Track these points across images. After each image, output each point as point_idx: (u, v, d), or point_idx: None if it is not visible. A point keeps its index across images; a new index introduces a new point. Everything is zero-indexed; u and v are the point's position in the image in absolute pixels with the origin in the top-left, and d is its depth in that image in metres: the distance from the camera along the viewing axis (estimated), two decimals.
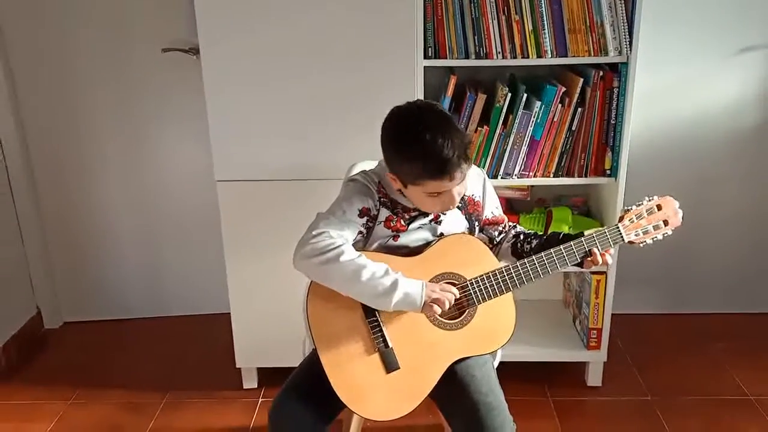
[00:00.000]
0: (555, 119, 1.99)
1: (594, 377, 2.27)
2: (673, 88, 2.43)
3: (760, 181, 2.54)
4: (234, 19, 1.90)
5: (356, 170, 1.58)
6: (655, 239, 1.50)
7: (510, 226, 1.61)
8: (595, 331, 2.19)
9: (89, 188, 2.61)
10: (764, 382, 2.26)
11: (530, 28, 1.92)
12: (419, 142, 1.31)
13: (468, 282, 1.44)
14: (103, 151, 2.56)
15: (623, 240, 1.47)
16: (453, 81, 1.98)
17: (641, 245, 1.50)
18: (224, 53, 1.93)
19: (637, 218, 1.48)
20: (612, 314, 2.17)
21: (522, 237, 1.55)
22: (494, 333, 1.47)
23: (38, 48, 2.42)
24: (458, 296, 1.40)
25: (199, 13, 1.90)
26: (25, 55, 2.44)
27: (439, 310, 1.35)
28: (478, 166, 2.01)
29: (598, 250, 1.45)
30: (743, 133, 2.48)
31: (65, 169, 2.59)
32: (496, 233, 1.59)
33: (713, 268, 2.63)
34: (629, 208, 1.49)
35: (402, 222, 1.46)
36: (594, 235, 1.45)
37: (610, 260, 1.47)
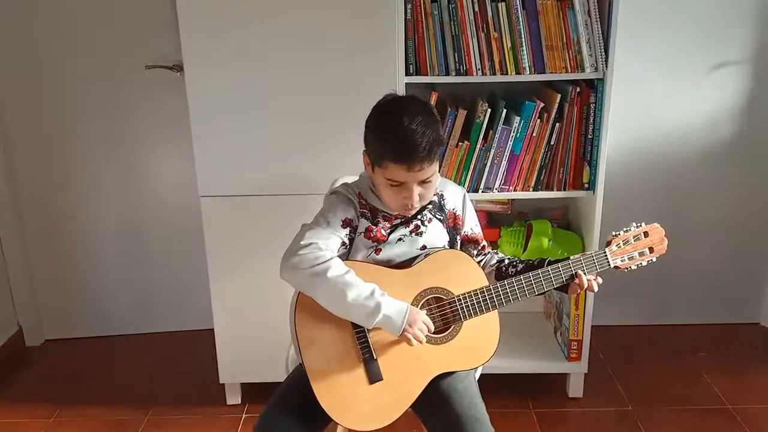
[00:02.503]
0: (534, 134, 2.02)
1: (575, 388, 2.29)
2: (649, 103, 2.48)
3: (736, 193, 2.60)
4: (217, 36, 1.92)
5: (341, 183, 1.60)
6: (639, 265, 1.53)
7: (492, 252, 1.62)
8: (575, 343, 2.22)
9: (72, 204, 2.60)
10: (743, 392, 2.29)
11: (509, 45, 1.96)
12: (394, 122, 1.36)
13: (455, 298, 1.46)
14: (86, 166, 2.56)
15: (609, 265, 1.50)
16: (434, 97, 2.01)
17: (626, 270, 1.52)
18: (208, 70, 1.95)
19: (624, 244, 1.50)
20: (592, 326, 2.20)
21: (506, 262, 1.57)
22: (478, 350, 1.49)
23: (22, 61, 2.43)
24: (432, 330, 1.41)
25: (182, 30, 1.92)
26: (10, 71, 2.44)
27: (414, 343, 1.37)
28: (459, 181, 2.06)
29: (585, 273, 1.47)
30: (719, 146, 2.54)
31: (48, 185, 2.58)
32: (474, 252, 1.60)
33: (691, 279, 2.68)
34: (617, 233, 1.51)
35: (382, 232, 1.48)
36: (581, 258, 1.48)
37: (596, 287, 1.48)
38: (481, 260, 1.60)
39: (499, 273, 1.56)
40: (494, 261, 1.59)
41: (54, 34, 2.39)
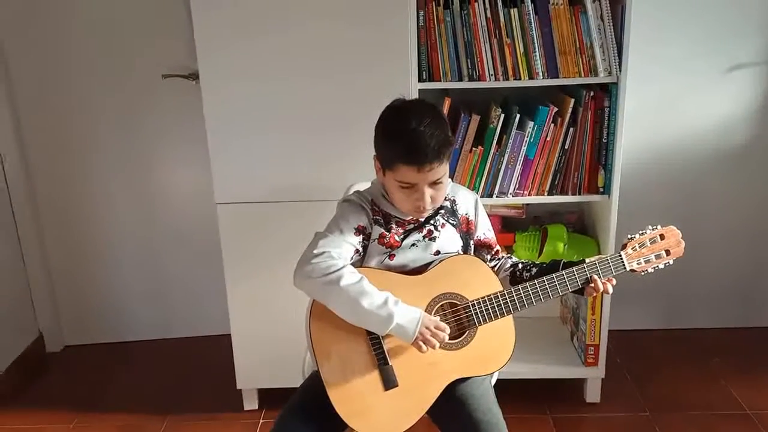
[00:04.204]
0: (548, 139, 2.02)
1: (592, 394, 2.28)
2: (664, 106, 2.47)
3: (752, 197, 2.58)
4: (233, 45, 1.95)
5: (354, 190, 1.61)
6: (656, 268, 1.51)
7: (505, 256, 1.62)
8: (592, 348, 2.20)
9: (91, 212, 2.64)
10: (761, 397, 2.27)
11: (521, 50, 1.96)
12: (403, 125, 1.38)
13: (470, 303, 1.46)
14: (105, 174, 2.59)
15: (625, 268, 1.48)
16: (447, 103, 2.02)
17: (642, 274, 1.50)
18: (223, 79, 1.97)
19: (639, 246, 1.49)
20: (609, 330, 2.19)
21: (520, 266, 1.56)
22: (493, 355, 1.48)
23: (41, 75, 2.47)
24: (448, 335, 1.41)
25: (198, 40, 1.94)
26: (28, 81, 2.48)
27: (425, 350, 1.38)
28: (474, 186, 2.06)
29: (600, 277, 1.46)
30: (734, 149, 2.52)
31: (67, 193, 2.62)
32: (488, 257, 1.61)
33: (709, 283, 2.66)
34: (632, 236, 1.50)
35: (396, 237, 1.49)
36: (596, 262, 1.47)
37: (611, 290, 1.48)
38: (495, 265, 1.61)
39: (514, 277, 1.56)
40: (508, 265, 1.59)
41: (70, 43, 2.43)
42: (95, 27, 2.42)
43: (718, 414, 2.20)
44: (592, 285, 1.46)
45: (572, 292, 1.49)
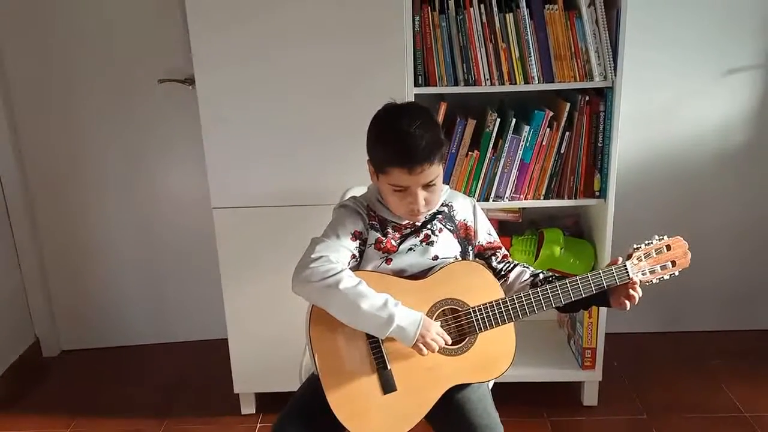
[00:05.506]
0: (544, 143, 2.03)
1: (589, 397, 2.28)
2: (660, 109, 2.48)
3: (748, 200, 2.58)
4: (229, 50, 1.95)
5: (350, 195, 1.62)
6: (661, 279, 1.49)
7: (521, 265, 1.58)
8: (589, 351, 2.21)
9: (87, 216, 2.64)
10: (760, 399, 2.27)
11: (517, 55, 1.97)
12: (395, 127, 1.39)
13: (471, 309, 1.45)
14: (101, 179, 2.59)
15: (629, 278, 1.46)
16: (443, 108, 2.03)
17: (647, 284, 1.48)
18: (219, 83, 1.98)
19: (645, 257, 1.46)
20: (606, 333, 2.19)
21: (541, 276, 1.54)
22: (493, 362, 1.48)
23: (37, 77, 2.47)
24: (449, 342, 1.41)
25: (194, 45, 1.95)
26: (24, 84, 2.48)
27: (425, 353, 1.37)
28: (470, 190, 2.06)
29: (605, 286, 1.45)
30: (731, 152, 2.52)
31: (63, 197, 2.61)
32: (494, 259, 1.58)
33: (706, 285, 2.66)
34: (638, 246, 1.47)
35: (392, 242, 1.49)
36: (600, 272, 1.45)
37: (636, 296, 1.46)
38: (505, 268, 1.58)
39: (534, 288, 1.51)
40: (527, 276, 1.55)
41: (68, 49, 2.43)
42: (91, 32, 2.42)
43: (716, 417, 2.20)
44: (624, 301, 1.44)
45: (596, 302, 1.48)
